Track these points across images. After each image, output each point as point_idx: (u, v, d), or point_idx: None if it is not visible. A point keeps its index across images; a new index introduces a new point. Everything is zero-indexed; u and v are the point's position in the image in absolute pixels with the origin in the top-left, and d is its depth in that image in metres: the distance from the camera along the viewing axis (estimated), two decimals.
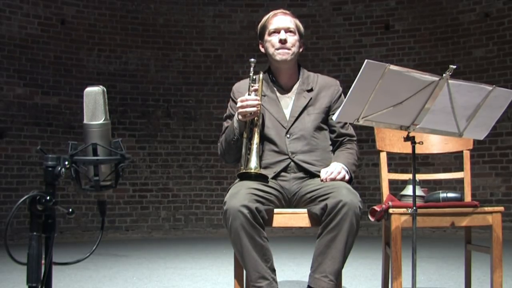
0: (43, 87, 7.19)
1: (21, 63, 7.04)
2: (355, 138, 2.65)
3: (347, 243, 2.25)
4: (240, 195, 2.26)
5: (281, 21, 2.59)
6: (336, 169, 2.43)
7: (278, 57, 2.56)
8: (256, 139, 2.44)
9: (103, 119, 1.57)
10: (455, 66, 2.07)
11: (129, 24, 7.82)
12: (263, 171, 2.43)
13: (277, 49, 2.55)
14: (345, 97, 2.11)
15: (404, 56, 7.65)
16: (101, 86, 1.59)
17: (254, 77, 2.53)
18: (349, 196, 2.26)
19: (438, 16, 7.50)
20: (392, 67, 2.02)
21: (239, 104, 2.46)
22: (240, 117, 2.46)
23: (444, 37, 7.46)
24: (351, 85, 2.03)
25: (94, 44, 7.61)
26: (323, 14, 8.01)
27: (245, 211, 2.22)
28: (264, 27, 2.62)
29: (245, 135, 2.47)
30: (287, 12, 2.64)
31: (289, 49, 2.55)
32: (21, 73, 7.03)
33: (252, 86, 2.51)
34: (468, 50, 7.28)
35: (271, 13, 2.64)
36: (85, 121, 1.57)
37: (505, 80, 6.88)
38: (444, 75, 2.08)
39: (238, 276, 2.39)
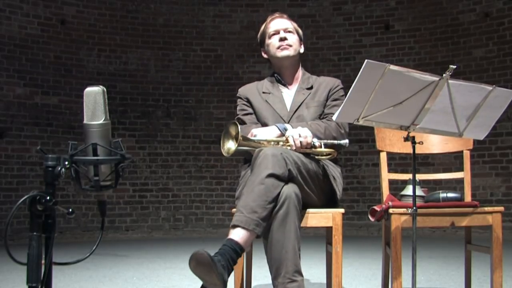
0: (43, 87, 7.19)
1: (21, 63, 7.03)
2: None
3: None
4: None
5: (279, 23, 2.69)
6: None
7: (280, 54, 2.63)
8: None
9: (103, 119, 1.57)
10: (455, 66, 2.07)
11: (129, 24, 7.82)
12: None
13: (278, 47, 2.63)
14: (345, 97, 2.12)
15: (404, 56, 7.65)
16: (101, 86, 1.59)
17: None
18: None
19: (438, 16, 7.50)
20: (392, 67, 2.02)
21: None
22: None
23: (444, 37, 7.45)
24: (351, 85, 2.03)
25: (94, 44, 7.60)
26: (323, 14, 8.01)
27: (297, 191, 2.25)
28: (264, 33, 2.72)
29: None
30: (284, 15, 2.75)
31: (290, 45, 2.63)
32: (21, 73, 7.03)
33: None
34: (468, 50, 7.28)
35: (268, 18, 2.75)
36: (85, 121, 1.57)
37: (505, 80, 6.88)
38: (444, 75, 2.08)
39: (238, 276, 2.39)
